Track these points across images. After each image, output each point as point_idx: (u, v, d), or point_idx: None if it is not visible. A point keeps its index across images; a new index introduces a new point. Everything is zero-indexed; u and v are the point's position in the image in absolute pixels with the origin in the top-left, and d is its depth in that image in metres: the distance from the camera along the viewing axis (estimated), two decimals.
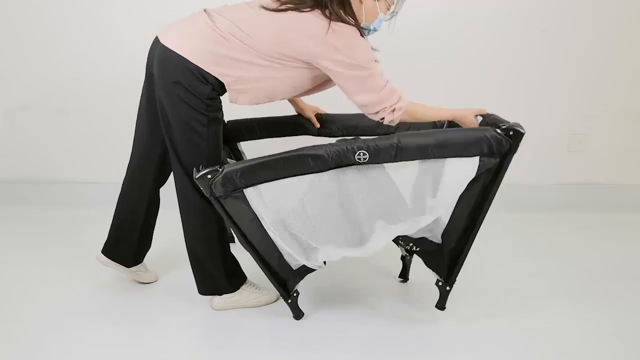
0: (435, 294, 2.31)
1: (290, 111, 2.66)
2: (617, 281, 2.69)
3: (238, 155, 2.61)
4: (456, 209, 2.15)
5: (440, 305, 2.30)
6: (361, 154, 2.00)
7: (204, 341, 2.22)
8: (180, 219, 2.28)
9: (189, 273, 2.39)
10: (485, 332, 2.29)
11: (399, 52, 3.28)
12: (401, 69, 3.30)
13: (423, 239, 2.30)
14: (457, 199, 2.13)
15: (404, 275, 2.65)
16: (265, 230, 2.11)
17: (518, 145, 2.05)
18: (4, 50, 3.28)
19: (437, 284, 2.28)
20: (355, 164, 2.02)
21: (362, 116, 2.55)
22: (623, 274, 2.75)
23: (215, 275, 2.32)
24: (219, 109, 2.15)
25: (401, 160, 2.03)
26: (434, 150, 2.02)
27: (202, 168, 2.00)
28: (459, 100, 3.34)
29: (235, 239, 2.35)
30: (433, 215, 2.12)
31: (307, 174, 2.04)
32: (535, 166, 3.50)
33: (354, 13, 2.06)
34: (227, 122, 2.53)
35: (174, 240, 2.77)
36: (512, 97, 3.38)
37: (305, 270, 2.25)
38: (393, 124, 2.15)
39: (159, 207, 2.48)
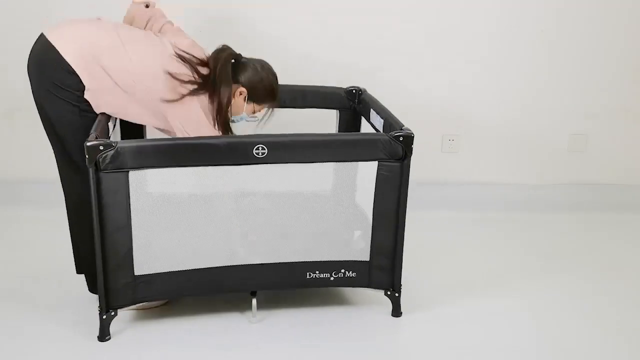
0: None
1: None
2: (617, 281, 2.69)
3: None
4: (374, 220, 2.20)
5: (396, 313, 2.35)
6: (260, 147, 2.02)
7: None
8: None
9: None
10: (484, 332, 2.29)
11: (400, 53, 3.28)
12: (401, 70, 3.31)
13: (348, 262, 2.27)
14: (371, 210, 2.19)
15: None
16: (128, 218, 2.05)
17: (411, 149, 2.12)
18: (4, 50, 3.28)
19: (385, 294, 2.32)
20: (252, 161, 2.04)
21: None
22: (623, 274, 2.75)
23: None
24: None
25: (300, 161, 2.08)
26: (332, 151, 2.10)
27: (95, 138, 1.95)
28: (459, 100, 3.35)
29: None
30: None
31: (200, 165, 2.04)
32: (535, 166, 3.50)
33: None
34: None
35: None
36: (511, 97, 3.38)
37: (144, 294, 2.16)
38: None
39: None
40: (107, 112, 2.17)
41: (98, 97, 2.12)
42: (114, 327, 2.20)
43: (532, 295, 2.55)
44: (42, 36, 2.14)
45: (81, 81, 2.08)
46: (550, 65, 3.34)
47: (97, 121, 2.11)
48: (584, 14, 3.27)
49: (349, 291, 2.50)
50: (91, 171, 1.97)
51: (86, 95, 2.11)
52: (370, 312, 2.37)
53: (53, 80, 2.09)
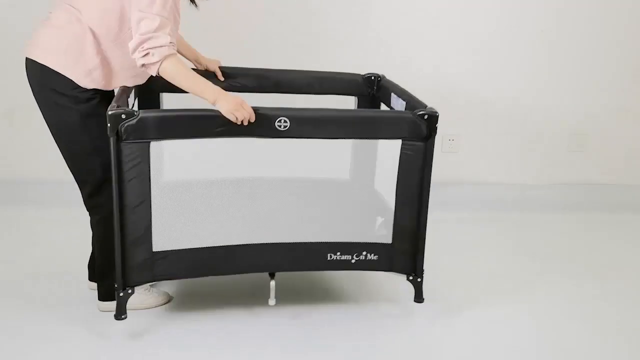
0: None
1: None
2: (617, 281, 2.69)
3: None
4: (397, 202, 2.17)
5: (418, 298, 2.29)
6: (282, 120, 2.00)
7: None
8: None
9: None
10: (484, 332, 2.29)
11: (399, 53, 3.29)
12: (401, 70, 3.30)
13: (369, 245, 2.22)
14: (393, 189, 2.16)
15: None
16: (148, 191, 2.00)
17: (435, 128, 2.11)
18: (4, 50, 3.28)
19: (407, 279, 2.27)
20: (274, 134, 2.01)
21: (283, 72, 2.58)
22: (624, 274, 2.75)
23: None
24: (89, 99, 2.09)
25: (322, 137, 2.05)
26: (356, 128, 2.08)
27: (116, 107, 1.93)
28: (459, 100, 3.35)
29: None
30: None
31: (222, 136, 2.00)
32: (535, 166, 3.50)
33: None
34: None
35: None
36: (511, 97, 3.38)
37: (161, 272, 2.11)
38: (151, 72, 2.00)
39: None
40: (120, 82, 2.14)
41: (99, 75, 2.08)
42: (117, 326, 2.17)
43: (532, 295, 2.55)
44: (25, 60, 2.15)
45: (71, 79, 2.06)
46: (550, 65, 3.34)
47: (117, 94, 2.09)
48: (584, 14, 3.28)
49: (360, 289, 2.47)
50: (112, 141, 1.94)
51: (87, 84, 2.06)
52: (381, 311, 2.36)
53: (50, 87, 2.08)
